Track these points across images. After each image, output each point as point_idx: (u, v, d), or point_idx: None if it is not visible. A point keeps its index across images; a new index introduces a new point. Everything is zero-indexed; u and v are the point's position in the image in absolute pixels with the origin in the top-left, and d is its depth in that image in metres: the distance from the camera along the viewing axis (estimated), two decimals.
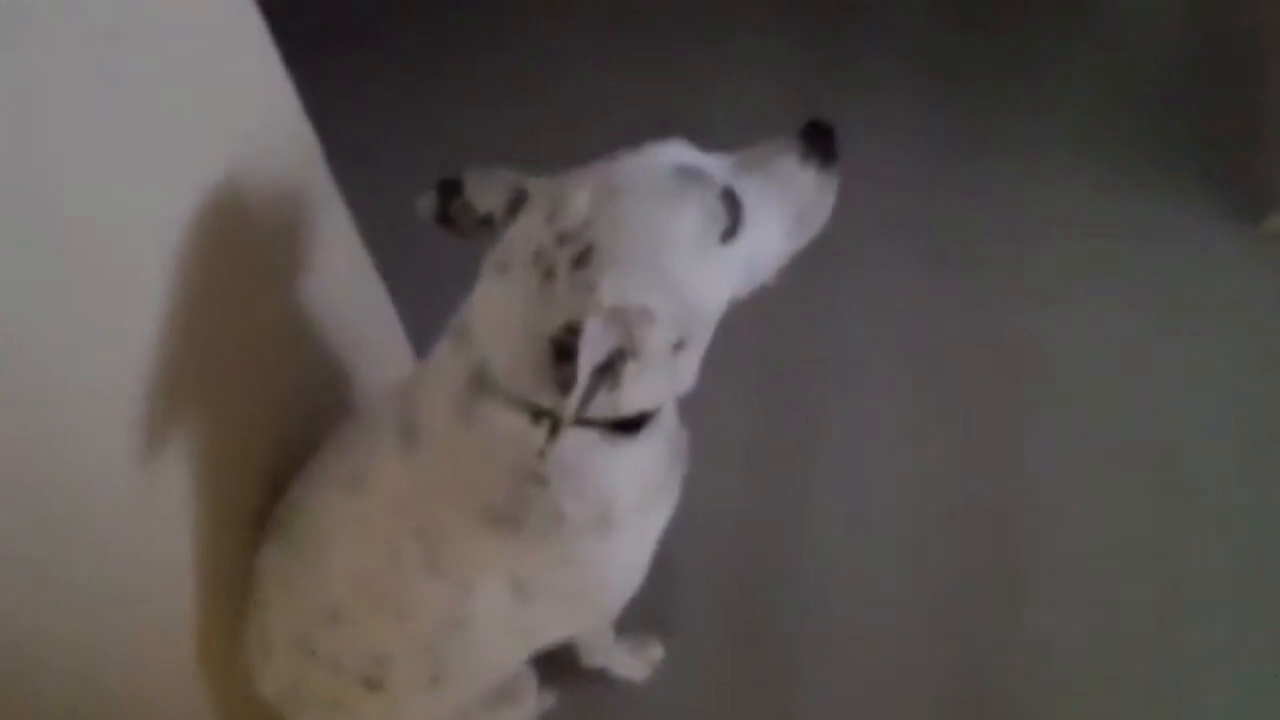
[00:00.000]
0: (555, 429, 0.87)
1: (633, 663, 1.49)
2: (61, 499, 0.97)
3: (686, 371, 1.00)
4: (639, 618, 1.49)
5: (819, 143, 0.99)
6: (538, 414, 0.91)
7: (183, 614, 1.16)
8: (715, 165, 0.96)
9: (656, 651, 1.52)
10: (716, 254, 0.93)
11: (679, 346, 0.94)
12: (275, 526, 1.15)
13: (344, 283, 1.40)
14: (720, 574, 1.62)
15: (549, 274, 0.88)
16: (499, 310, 0.92)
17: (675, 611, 1.57)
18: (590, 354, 0.84)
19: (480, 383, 0.93)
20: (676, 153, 0.95)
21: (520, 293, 0.89)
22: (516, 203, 0.94)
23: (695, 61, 2.30)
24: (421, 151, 1.72)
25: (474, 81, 2.32)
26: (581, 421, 0.93)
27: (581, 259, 0.87)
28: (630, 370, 0.90)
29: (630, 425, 0.99)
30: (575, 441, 0.95)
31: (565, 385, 0.84)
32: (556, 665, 1.44)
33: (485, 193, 0.94)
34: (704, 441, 1.56)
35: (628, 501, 1.03)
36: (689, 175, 0.92)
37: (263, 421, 1.25)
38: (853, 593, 1.59)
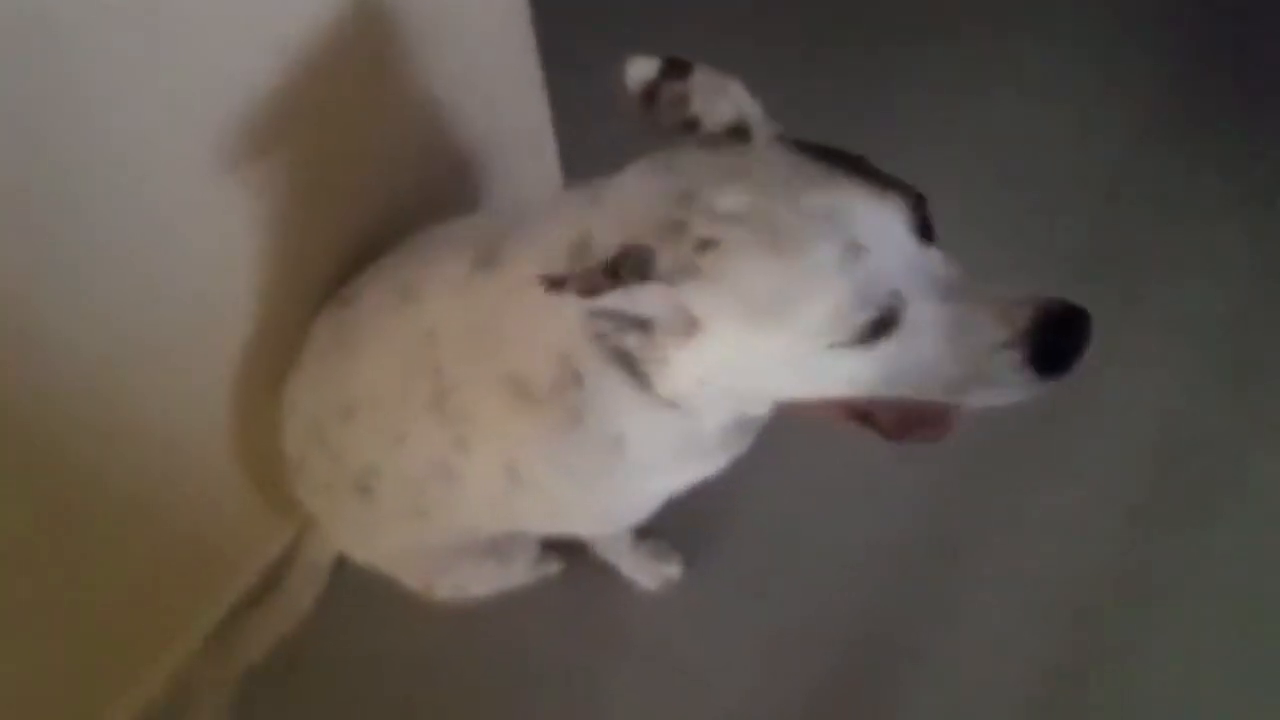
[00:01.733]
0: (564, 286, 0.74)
1: (645, 570, 1.43)
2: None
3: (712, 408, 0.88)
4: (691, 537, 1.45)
5: (1053, 353, 0.75)
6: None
7: (229, 342, 1.18)
8: (914, 264, 0.76)
9: (673, 570, 1.45)
10: (817, 352, 0.76)
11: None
12: (335, 302, 1.13)
13: (494, 71, 1.31)
14: (820, 547, 1.50)
15: (678, 227, 0.76)
16: (634, 205, 0.80)
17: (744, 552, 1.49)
18: (623, 297, 0.74)
19: (580, 253, 0.83)
20: (878, 222, 0.75)
21: (655, 210, 0.78)
22: (737, 132, 0.81)
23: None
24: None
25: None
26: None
27: (705, 246, 0.75)
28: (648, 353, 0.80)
29: None
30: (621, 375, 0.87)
31: (586, 289, 0.73)
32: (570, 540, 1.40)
33: (714, 99, 0.81)
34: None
35: (640, 450, 0.94)
36: (853, 264, 0.73)
37: (366, 188, 1.21)
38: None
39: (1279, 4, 1.99)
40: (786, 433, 1.19)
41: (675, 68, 0.81)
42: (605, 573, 1.44)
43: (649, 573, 1.43)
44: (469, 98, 1.28)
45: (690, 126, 0.81)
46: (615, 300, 0.74)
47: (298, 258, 1.17)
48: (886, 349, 0.76)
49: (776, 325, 0.75)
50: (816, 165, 0.77)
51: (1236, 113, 1.86)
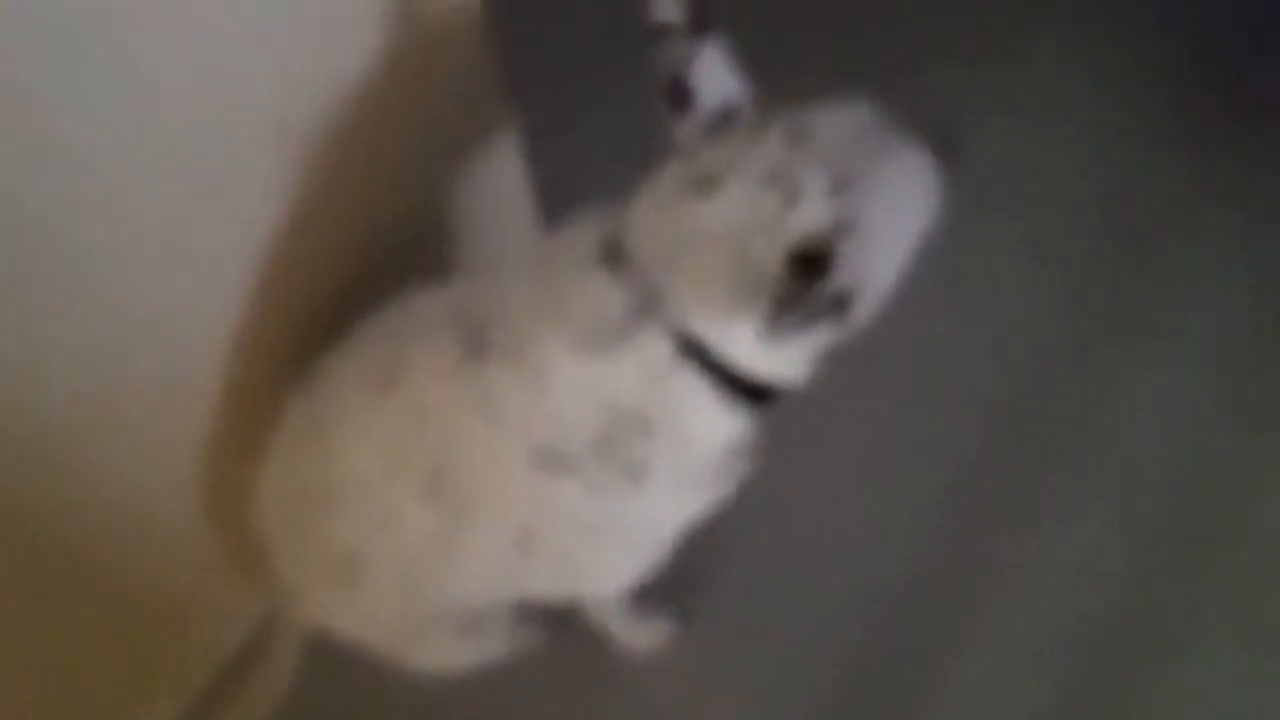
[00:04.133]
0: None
1: (635, 630, 1.40)
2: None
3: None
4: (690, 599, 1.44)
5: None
6: (686, 345, 0.87)
7: (196, 411, 1.15)
8: None
9: (663, 625, 1.42)
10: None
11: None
12: (309, 379, 1.11)
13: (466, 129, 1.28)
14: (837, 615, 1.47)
15: (794, 195, 0.82)
16: (692, 228, 0.84)
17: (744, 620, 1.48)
18: (841, 274, 0.78)
19: (644, 307, 0.86)
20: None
21: (739, 210, 0.83)
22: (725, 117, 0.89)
23: None
24: None
25: None
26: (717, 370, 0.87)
27: (840, 186, 0.82)
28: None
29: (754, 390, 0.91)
30: (693, 385, 0.88)
31: (787, 300, 0.78)
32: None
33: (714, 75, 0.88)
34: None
35: (666, 477, 0.95)
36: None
37: (335, 251, 1.19)
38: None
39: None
40: (776, 480, 1.18)
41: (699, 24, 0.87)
42: (590, 637, 1.41)
43: (639, 633, 1.41)
44: (439, 157, 1.28)
45: (722, 121, 0.87)
46: (840, 274, 0.78)
47: (270, 319, 1.15)
48: None
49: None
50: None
51: (1240, 131, 1.82)
